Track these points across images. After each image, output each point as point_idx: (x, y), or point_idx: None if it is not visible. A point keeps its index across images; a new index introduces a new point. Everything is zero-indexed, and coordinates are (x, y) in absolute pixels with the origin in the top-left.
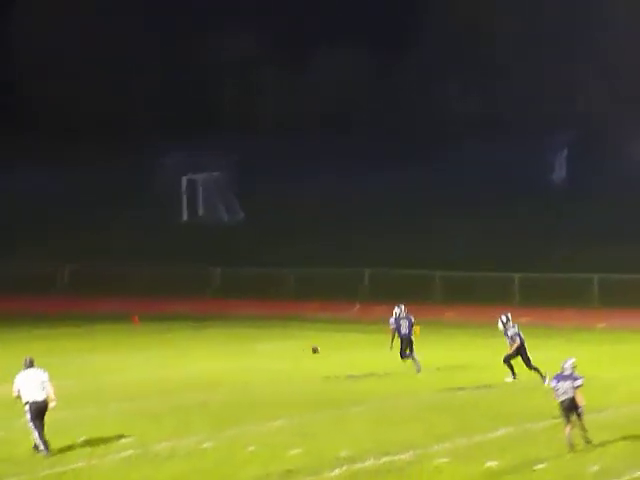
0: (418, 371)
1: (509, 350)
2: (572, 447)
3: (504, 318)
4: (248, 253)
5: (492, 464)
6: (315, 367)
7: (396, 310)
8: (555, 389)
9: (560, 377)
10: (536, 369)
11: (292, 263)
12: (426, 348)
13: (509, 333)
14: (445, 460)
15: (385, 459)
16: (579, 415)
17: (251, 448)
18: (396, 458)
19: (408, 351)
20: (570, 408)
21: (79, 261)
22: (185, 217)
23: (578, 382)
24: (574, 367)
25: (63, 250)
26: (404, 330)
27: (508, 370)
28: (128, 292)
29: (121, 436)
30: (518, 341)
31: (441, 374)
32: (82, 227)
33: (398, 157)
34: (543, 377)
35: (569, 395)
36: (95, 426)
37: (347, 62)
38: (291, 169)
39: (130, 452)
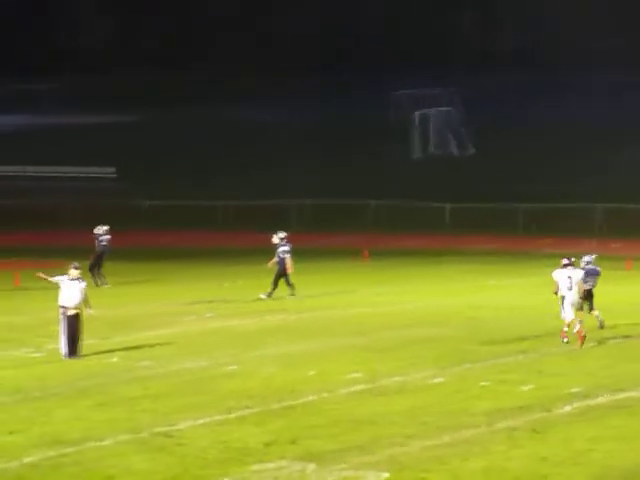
0: None
1: None
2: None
3: None
4: (479, 188)
5: None
6: (547, 302)
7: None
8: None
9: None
10: None
11: (522, 199)
12: None
13: None
14: None
15: (619, 396)
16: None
17: (483, 383)
18: (630, 395)
19: None
20: (587, 297)
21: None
22: (418, 152)
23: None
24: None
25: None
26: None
27: None
28: (360, 227)
29: (350, 370)
30: None
31: None
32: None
33: None
34: None
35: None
36: (324, 360)
37: None
38: (523, 105)
39: (359, 387)
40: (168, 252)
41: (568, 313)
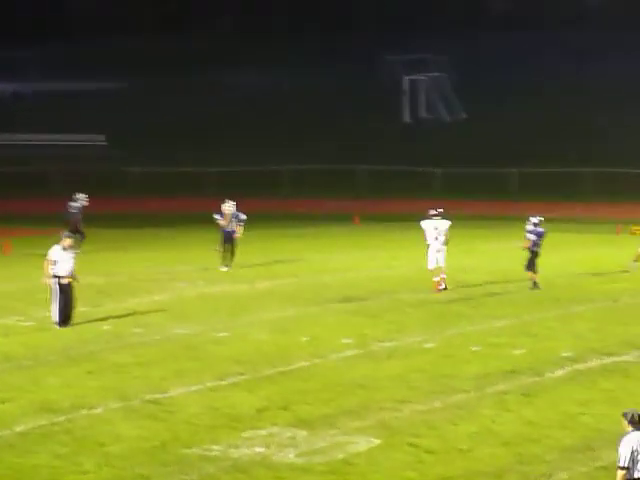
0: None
1: None
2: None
3: None
4: (470, 153)
5: None
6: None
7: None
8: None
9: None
10: None
11: (514, 163)
12: None
13: None
14: None
15: (608, 359)
16: None
17: (473, 348)
18: (620, 359)
19: None
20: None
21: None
22: (407, 118)
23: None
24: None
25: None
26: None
27: None
28: (350, 193)
29: (341, 336)
30: None
31: None
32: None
33: None
34: None
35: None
36: (315, 326)
37: None
38: (514, 67)
39: (350, 352)
40: (159, 218)
41: (431, 262)
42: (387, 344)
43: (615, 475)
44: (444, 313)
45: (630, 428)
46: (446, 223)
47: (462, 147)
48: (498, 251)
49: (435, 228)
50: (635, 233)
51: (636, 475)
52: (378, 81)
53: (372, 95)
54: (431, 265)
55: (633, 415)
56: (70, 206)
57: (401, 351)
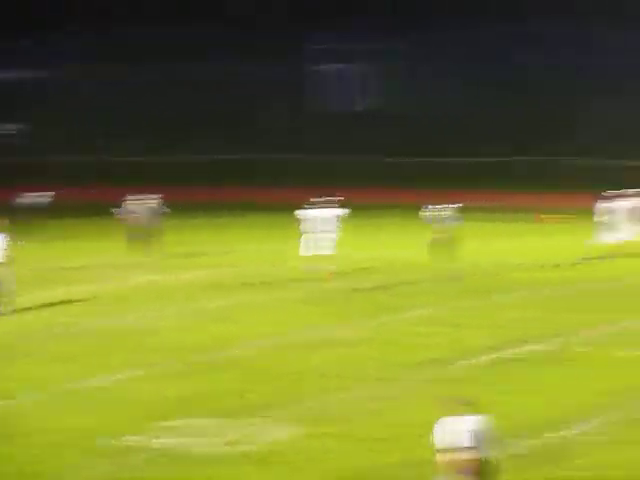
0: None
1: None
2: None
3: None
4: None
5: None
6: (454, 256)
7: None
8: None
9: None
10: None
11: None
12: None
13: None
14: (587, 349)
15: (527, 348)
16: None
17: (398, 336)
18: (538, 348)
19: None
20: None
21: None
22: (331, 107)
23: None
24: None
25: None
26: None
27: None
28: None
29: (273, 324)
30: None
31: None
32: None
33: None
34: None
35: None
36: (242, 315)
37: None
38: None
39: (280, 340)
40: (88, 208)
41: (310, 249)
42: (317, 332)
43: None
44: (370, 302)
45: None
46: (336, 212)
47: (379, 135)
48: (404, 244)
49: (321, 217)
50: (544, 221)
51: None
52: (299, 69)
53: (293, 83)
54: (309, 252)
55: (462, 400)
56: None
57: (330, 340)
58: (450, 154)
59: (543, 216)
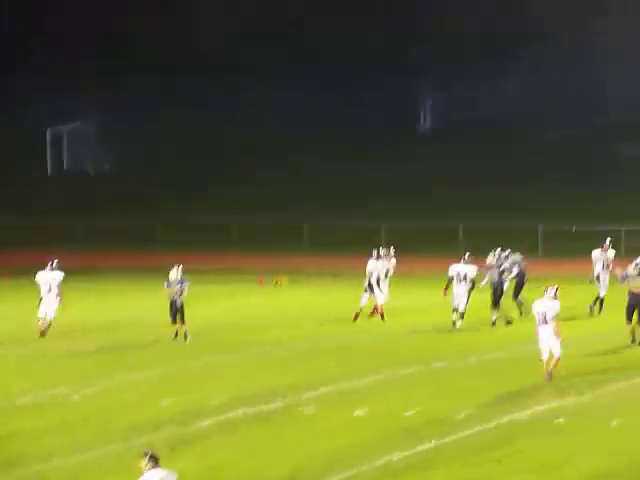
0: None
1: None
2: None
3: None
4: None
5: (360, 412)
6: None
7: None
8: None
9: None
10: None
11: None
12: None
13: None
14: (313, 408)
15: (257, 408)
16: None
17: (123, 397)
18: (268, 407)
19: None
20: None
21: None
22: (50, 170)
23: None
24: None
25: None
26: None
27: None
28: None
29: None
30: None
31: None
32: None
33: None
34: None
35: None
36: None
37: None
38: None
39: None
40: None
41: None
42: (34, 396)
43: None
44: (90, 364)
45: (149, 466)
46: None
47: (106, 199)
48: (144, 302)
49: None
50: (277, 283)
51: None
52: (25, 130)
53: (20, 144)
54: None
55: (152, 454)
56: None
57: (51, 402)
58: None
59: (277, 278)
